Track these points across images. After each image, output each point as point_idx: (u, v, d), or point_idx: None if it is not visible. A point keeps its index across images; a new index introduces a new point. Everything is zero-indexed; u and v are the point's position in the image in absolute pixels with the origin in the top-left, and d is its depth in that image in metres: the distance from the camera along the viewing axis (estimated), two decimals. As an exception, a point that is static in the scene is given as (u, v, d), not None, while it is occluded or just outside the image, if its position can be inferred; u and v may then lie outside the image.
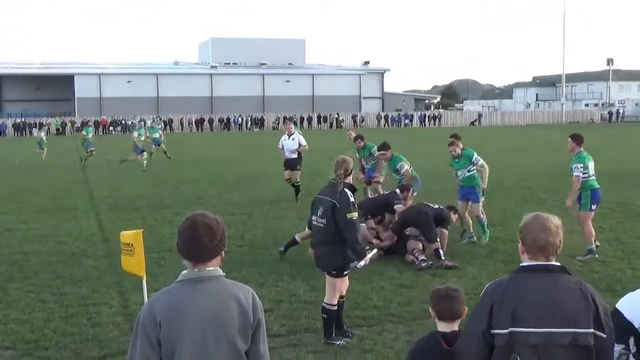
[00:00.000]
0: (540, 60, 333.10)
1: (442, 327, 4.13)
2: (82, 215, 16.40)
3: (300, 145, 18.36)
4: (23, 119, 76.93)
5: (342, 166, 7.24)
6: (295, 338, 7.56)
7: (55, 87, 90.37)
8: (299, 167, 18.34)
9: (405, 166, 13.67)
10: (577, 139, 11.19)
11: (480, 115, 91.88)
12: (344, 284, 7.51)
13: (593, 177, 11.09)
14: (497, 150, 35.65)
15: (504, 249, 11.86)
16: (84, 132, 32.61)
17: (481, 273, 10.21)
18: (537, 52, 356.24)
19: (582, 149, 11.20)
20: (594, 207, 11.15)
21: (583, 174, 10.94)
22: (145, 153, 29.06)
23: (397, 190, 12.31)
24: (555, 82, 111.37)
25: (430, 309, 4.24)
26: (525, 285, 3.30)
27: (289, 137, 18.56)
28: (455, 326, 4.15)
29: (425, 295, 8.82)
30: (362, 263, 7.38)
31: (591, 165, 11.09)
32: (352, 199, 7.19)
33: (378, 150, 14.36)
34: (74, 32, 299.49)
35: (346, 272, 7.43)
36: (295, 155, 18.35)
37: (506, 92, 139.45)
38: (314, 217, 7.42)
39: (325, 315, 7.39)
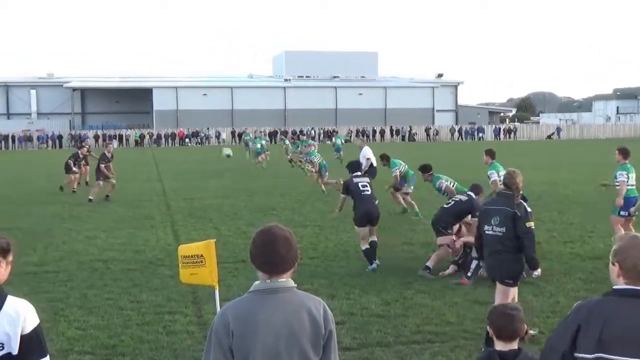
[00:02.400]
0: (621, 71, 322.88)
1: (500, 345, 4.06)
2: (159, 225, 16.80)
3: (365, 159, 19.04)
4: (103, 131, 79.66)
5: (518, 177, 7.68)
6: (367, 352, 7.50)
7: (134, 100, 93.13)
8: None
9: (445, 182, 13.62)
10: (624, 152, 12.45)
11: (558, 129, 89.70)
12: (515, 292, 7.77)
13: (633, 187, 12.28)
14: (575, 163, 34.74)
15: (582, 266, 11.50)
16: (256, 144, 33.72)
17: (558, 291, 9.92)
18: (618, 64, 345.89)
19: (627, 161, 12.42)
20: (623, 212, 12.26)
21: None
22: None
23: (471, 193, 11.65)
24: (638, 94, 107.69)
25: (488, 327, 4.16)
26: (617, 310, 3.10)
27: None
28: (514, 345, 4.07)
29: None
30: (537, 272, 7.90)
31: (632, 175, 12.28)
32: (529, 209, 7.65)
33: (420, 171, 14.27)
34: (152, 46, 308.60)
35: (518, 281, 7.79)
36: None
37: (585, 105, 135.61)
38: (487, 227, 7.65)
39: None
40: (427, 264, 11.21)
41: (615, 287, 3.20)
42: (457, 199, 11.70)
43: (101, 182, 22.36)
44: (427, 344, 7.71)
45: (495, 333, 4.08)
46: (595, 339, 3.05)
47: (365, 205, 11.52)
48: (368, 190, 11.68)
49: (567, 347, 3.12)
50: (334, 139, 44.99)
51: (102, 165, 22.46)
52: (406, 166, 18.49)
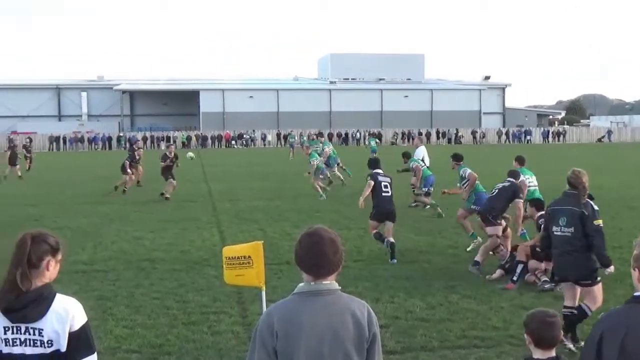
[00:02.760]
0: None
1: (538, 354, 3.98)
2: (205, 225, 16.97)
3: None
4: (151, 133, 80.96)
5: (584, 177, 7.70)
6: (411, 356, 7.46)
7: (182, 102, 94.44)
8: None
9: (469, 170, 14.01)
10: None
11: (609, 132, 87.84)
12: (600, 291, 7.79)
13: None
14: (626, 167, 33.99)
15: (633, 272, 11.21)
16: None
17: (608, 297, 9.67)
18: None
19: None
20: None
21: None
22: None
23: (511, 179, 11.92)
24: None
25: (525, 334, 4.06)
26: (638, 317, 2.99)
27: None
28: (552, 352, 3.98)
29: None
30: (610, 270, 7.80)
31: None
32: (596, 207, 7.68)
33: (452, 158, 14.71)
34: (199, 49, 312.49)
35: (599, 279, 7.74)
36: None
37: (637, 107, 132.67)
38: (555, 228, 7.70)
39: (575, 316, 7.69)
40: (476, 258, 11.33)
41: (635, 293, 3.11)
42: (500, 186, 11.86)
43: (173, 181, 23.42)
44: (473, 349, 7.62)
45: (533, 341, 4.00)
46: (618, 347, 2.95)
47: (384, 203, 12.42)
48: (389, 192, 12.48)
49: (593, 358, 3.03)
50: (367, 141, 45.91)
51: (164, 164, 23.60)
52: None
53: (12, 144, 41.29)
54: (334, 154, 28.57)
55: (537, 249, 10.37)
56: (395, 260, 12.10)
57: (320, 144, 30.14)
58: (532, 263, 10.74)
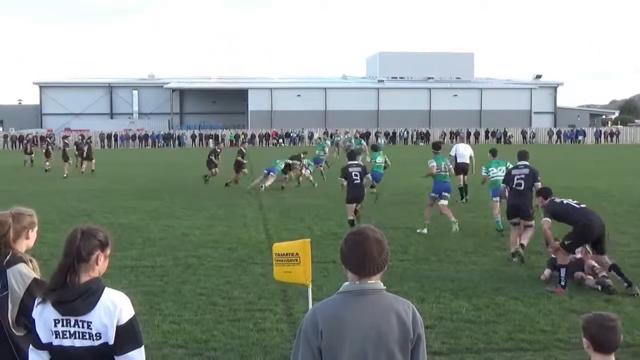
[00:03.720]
0: None
1: (598, 358, 3.86)
2: (252, 223, 17.10)
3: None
4: (200, 131, 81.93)
5: None
6: (457, 357, 7.39)
7: (230, 100, 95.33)
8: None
9: (434, 162, 16.01)
10: None
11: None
12: None
13: None
14: (682, 170, 33.07)
15: (688, 277, 10.90)
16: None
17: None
18: None
19: None
20: None
21: None
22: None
23: (524, 162, 13.06)
24: None
25: (584, 339, 3.94)
26: None
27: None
28: (612, 357, 3.87)
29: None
30: None
31: None
32: None
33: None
34: (248, 47, 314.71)
35: None
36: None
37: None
38: None
39: None
40: (522, 242, 12.29)
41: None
42: (521, 175, 12.70)
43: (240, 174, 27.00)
44: (520, 352, 7.51)
45: (593, 345, 3.88)
46: None
47: (354, 189, 14.92)
48: (358, 179, 14.87)
49: None
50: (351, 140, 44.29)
51: (239, 159, 27.20)
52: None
53: (65, 141, 42.59)
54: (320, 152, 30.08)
55: (566, 243, 10.34)
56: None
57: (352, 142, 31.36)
58: (588, 261, 10.58)
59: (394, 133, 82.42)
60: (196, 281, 10.80)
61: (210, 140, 72.46)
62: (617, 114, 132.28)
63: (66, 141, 52.75)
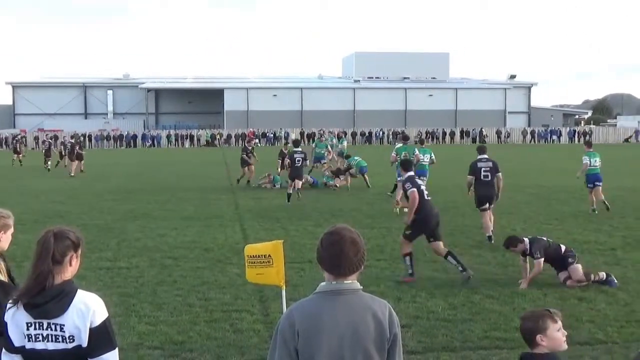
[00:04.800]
0: None
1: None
2: (228, 223, 17.04)
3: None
4: (176, 131, 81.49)
5: None
6: (433, 356, 7.42)
7: (206, 100, 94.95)
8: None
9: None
10: None
11: (637, 132, 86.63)
12: None
13: None
14: (653, 169, 33.55)
15: (660, 274, 11.07)
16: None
17: (633, 299, 9.59)
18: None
19: None
20: None
21: None
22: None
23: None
24: None
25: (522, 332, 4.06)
26: None
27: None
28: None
29: (571, 321, 8.41)
30: None
31: None
32: None
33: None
34: (224, 47, 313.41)
35: None
36: None
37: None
38: None
39: None
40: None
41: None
42: (487, 167, 14.40)
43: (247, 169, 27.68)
44: (495, 350, 7.57)
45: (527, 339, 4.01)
46: None
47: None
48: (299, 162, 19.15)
49: None
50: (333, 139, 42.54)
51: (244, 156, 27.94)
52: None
53: (72, 140, 43.30)
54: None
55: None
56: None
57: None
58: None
59: (370, 133, 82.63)
60: (172, 282, 10.74)
61: (187, 141, 71.93)
62: (590, 113, 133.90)
63: (49, 140, 53.07)
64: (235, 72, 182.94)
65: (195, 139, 79.76)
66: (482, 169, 14.44)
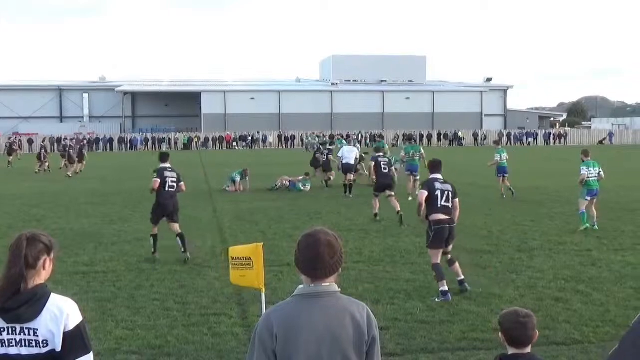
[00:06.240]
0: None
1: (512, 351, 4.01)
2: (206, 227, 16.97)
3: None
4: (153, 134, 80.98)
5: None
6: (411, 358, 7.45)
7: (183, 103, 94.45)
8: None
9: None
10: None
11: (611, 134, 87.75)
12: None
13: None
14: (627, 170, 33.95)
15: (634, 275, 11.21)
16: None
17: (609, 300, 9.69)
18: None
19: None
20: None
21: None
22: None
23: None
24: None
25: (499, 333, 4.09)
26: None
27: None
28: (527, 349, 4.01)
29: (547, 321, 8.49)
30: None
31: None
32: None
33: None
34: (201, 50, 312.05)
35: None
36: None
37: (639, 110, 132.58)
38: None
39: None
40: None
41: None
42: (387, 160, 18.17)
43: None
44: (473, 351, 7.62)
45: (507, 340, 4.03)
46: None
47: None
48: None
49: None
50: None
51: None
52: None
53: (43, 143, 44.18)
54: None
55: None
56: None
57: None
58: None
59: (348, 135, 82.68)
60: (150, 286, 10.66)
61: (164, 144, 71.41)
62: (565, 116, 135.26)
63: (43, 144, 52.75)
64: (212, 76, 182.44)
65: (173, 142, 79.34)
66: (382, 163, 17.54)
